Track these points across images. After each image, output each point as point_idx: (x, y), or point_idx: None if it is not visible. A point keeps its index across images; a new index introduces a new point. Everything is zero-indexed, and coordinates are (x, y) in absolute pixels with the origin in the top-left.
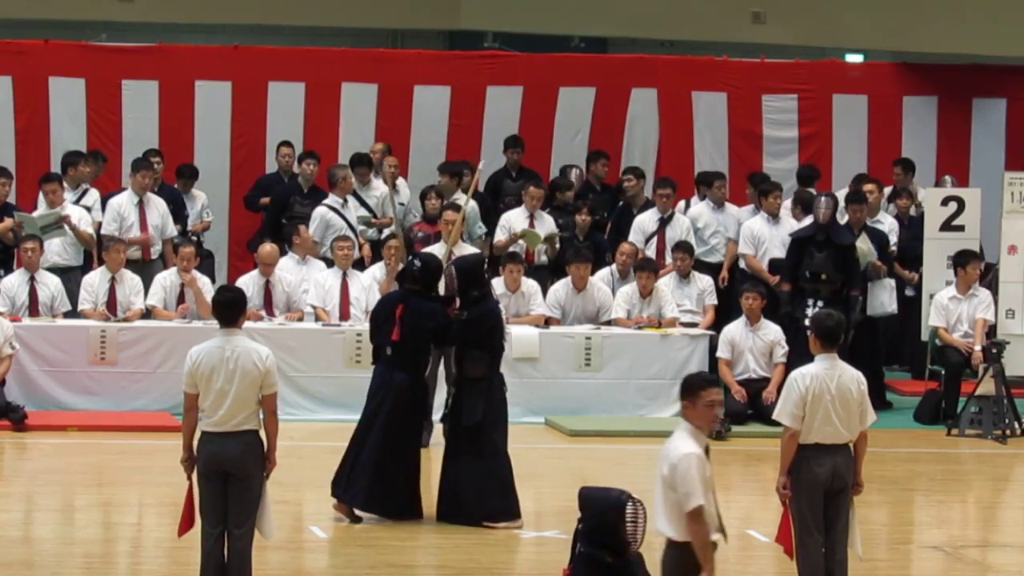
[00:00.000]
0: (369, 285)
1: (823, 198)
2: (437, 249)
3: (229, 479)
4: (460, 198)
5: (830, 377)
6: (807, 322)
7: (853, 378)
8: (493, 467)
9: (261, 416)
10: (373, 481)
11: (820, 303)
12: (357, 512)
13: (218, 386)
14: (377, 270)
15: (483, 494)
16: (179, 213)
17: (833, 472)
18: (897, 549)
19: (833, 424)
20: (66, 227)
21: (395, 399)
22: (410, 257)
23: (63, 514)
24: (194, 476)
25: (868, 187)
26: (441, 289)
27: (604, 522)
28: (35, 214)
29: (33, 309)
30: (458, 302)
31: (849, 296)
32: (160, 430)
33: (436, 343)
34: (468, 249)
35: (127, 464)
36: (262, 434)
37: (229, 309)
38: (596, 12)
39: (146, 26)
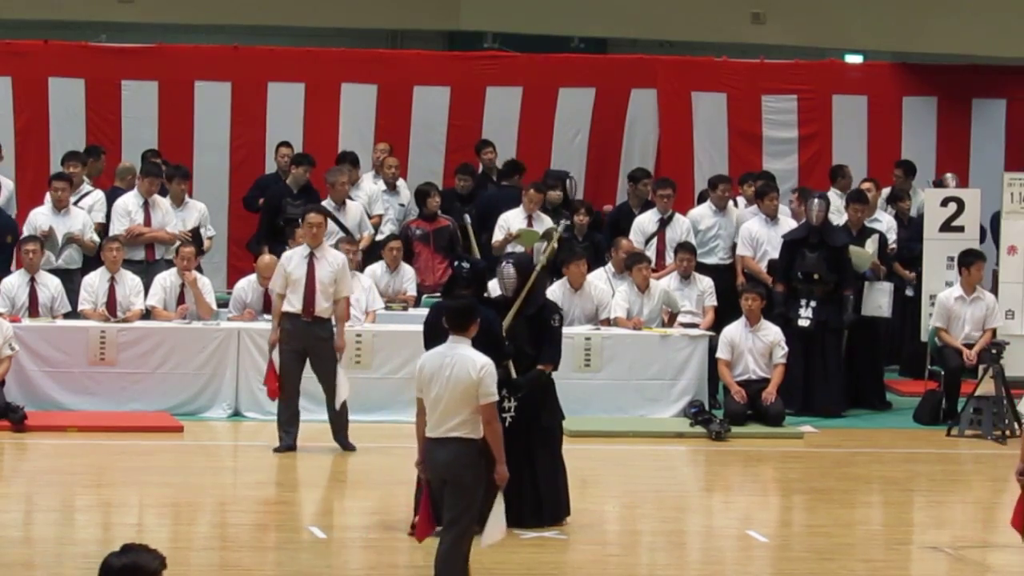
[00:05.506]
0: (369, 286)
1: (816, 199)
2: (300, 252)
3: (446, 484)
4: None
5: None
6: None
7: None
8: (560, 465)
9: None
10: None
11: (814, 304)
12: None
13: (435, 392)
14: (378, 268)
15: (559, 494)
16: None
17: None
18: (897, 550)
19: None
20: (75, 244)
21: None
22: (456, 263)
23: (63, 515)
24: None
25: (866, 185)
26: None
27: None
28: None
29: (33, 310)
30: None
31: (843, 296)
32: (160, 431)
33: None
34: (332, 252)
35: (127, 465)
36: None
37: (459, 316)
38: (595, 13)
39: (146, 27)
